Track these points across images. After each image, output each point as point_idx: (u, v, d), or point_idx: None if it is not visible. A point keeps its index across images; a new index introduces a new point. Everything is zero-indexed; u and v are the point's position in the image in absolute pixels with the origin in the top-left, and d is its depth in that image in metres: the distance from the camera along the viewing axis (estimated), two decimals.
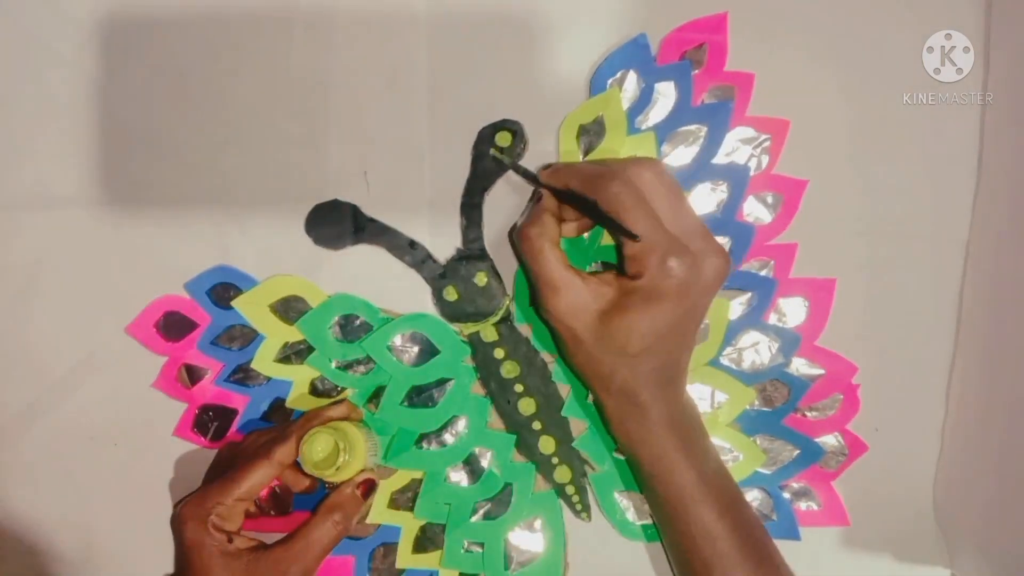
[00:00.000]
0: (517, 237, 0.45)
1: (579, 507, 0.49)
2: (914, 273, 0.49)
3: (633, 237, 0.41)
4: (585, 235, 0.48)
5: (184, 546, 0.43)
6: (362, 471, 0.46)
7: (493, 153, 0.48)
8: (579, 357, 0.44)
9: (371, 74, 0.49)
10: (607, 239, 0.48)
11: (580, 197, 0.43)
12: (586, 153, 0.48)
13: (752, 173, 0.48)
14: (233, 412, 0.49)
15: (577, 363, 0.45)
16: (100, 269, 0.50)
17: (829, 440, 0.49)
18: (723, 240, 0.48)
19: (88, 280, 0.50)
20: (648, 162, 0.44)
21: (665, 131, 0.48)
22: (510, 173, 0.49)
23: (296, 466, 0.44)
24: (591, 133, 0.48)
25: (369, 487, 0.46)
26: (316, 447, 0.44)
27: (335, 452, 0.44)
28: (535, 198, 0.46)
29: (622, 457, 0.48)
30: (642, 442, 0.44)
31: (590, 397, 0.47)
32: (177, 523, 0.43)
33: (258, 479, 0.44)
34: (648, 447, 0.44)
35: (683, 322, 0.43)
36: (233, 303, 0.49)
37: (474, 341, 0.49)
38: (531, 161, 0.49)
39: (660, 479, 0.44)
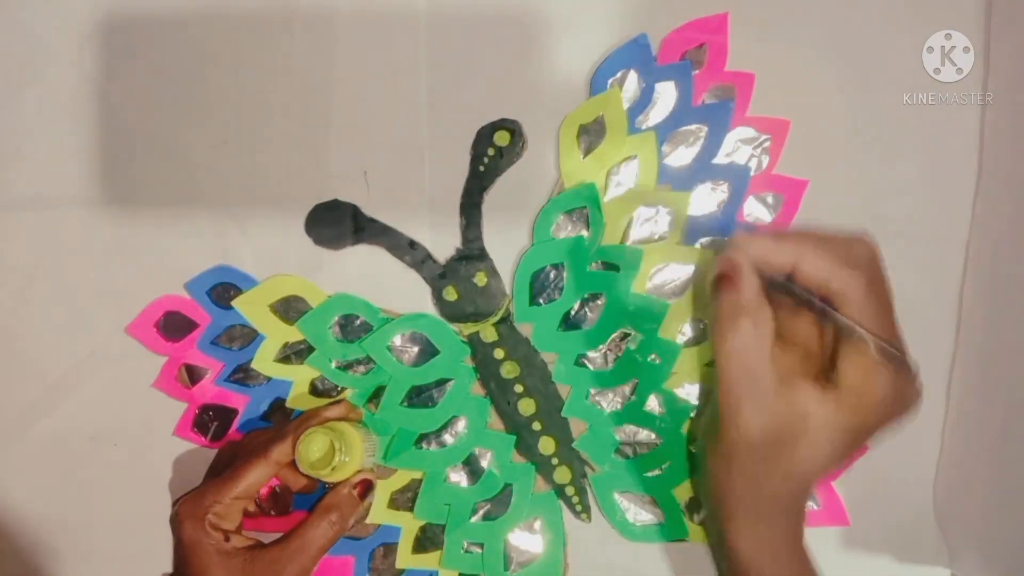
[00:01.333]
0: (714, 344, 0.39)
1: (579, 508, 0.49)
2: (914, 273, 0.49)
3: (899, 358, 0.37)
4: (585, 234, 0.48)
5: (181, 544, 0.43)
6: (359, 471, 0.46)
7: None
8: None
9: (371, 74, 0.49)
10: (609, 238, 0.48)
11: (807, 298, 0.37)
12: (586, 153, 0.48)
13: (752, 173, 0.48)
14: (233, 412, 0.49)
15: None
16: (100, 269, 0.50)
17: None
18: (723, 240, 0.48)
19: (88, 280, 0.50)
20: (875, 257, 0.38)
21: (665, 131, 0.48)
22: (508, 172, 0.48)
23: (294, 465, 0.44)
24: (591, 133, 0.48)
25: (366, 487, 0.46)
26: (312, 447, 0.44)
27: (331, 452, 0.44)
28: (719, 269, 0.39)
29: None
30: (769, 558, 0.40)
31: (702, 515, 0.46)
32: (175, 521, 0.43)
33: (255, 478, 0.44)
34: (772, 563, 0.40)
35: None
36: (233, 303, 0.49)
37: (474, 341, 0.49)
38: (529, 161, 0.49)
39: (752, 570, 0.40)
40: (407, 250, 0.49)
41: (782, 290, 0.38)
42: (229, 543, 0.43)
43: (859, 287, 0.36)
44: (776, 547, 0.40)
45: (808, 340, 0.40)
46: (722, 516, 0.41)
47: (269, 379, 0.49)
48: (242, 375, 0.49)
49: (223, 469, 0.45)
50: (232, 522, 0.44)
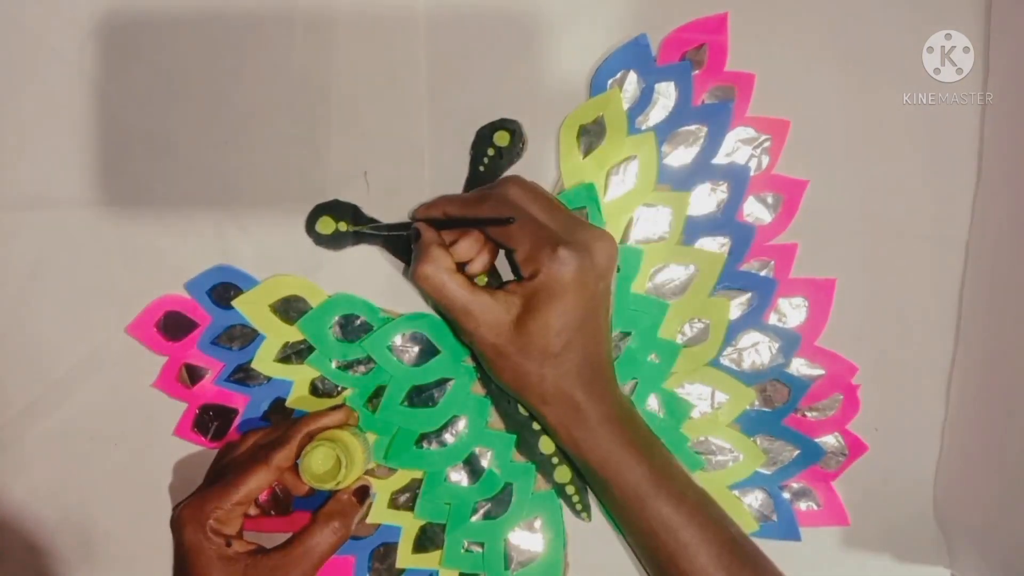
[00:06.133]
0: (413, 280, 0.45)
1: (579, 507, 0.49)
2: (914, 273, 0.49)
3: (507, 221, 0.43)
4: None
5: (183, 549, 0.43)
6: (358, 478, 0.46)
7: (346, 228, 0.49)
8: (507, 373, 0.44)
9: (371, 74, 0.49)
10: None
11: (461, 219, 0.45)
12: (586, 153, 0.48)
13: (752, 173, 0.48)
14: (233, 412, 0.49)
15: (507, 380, 0.45)
16: (100, 269, 0.49)
17: (829, 440, 0.49)
18: (723, 240, 0.48)
19: (88, 280, 0.50)
20: (510, 179, 0.46)
21: (665, 131, 0.48)
22: (508, 172, 0.49)
23: (295, 470, 0.44)
24: (591, 133, 0.48)
25: (364, 493, 0.46)
26: (317, 461, 0.44)
27: (336, 465, 0.44)
28: (414, 239, 0.46)
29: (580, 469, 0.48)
30: (589, 445, 0.44)
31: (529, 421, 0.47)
32: (176, 526, 0.43)
33: (256, 484, 0.44)
34: (595, 450, 0.44)
35: (591, 310, 0.44)
36: (233, 303, 0.49)
37: None
38: (529, 161, 0.49)
39: (613, 480, 0.44)
40: (407, 250, 0.49)
41: (450, 224, 0.46)
42: (231, 548, 0.43)
43: (495, 204, 0.44)
44: (589, 426, 0.44)
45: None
46: (542, 419, 0.45)
47: (269, 379, 0.49)
48: (242, 375, 0.49)
49: (222, 470, 0.45)
50: (233, 527, 0.44)
